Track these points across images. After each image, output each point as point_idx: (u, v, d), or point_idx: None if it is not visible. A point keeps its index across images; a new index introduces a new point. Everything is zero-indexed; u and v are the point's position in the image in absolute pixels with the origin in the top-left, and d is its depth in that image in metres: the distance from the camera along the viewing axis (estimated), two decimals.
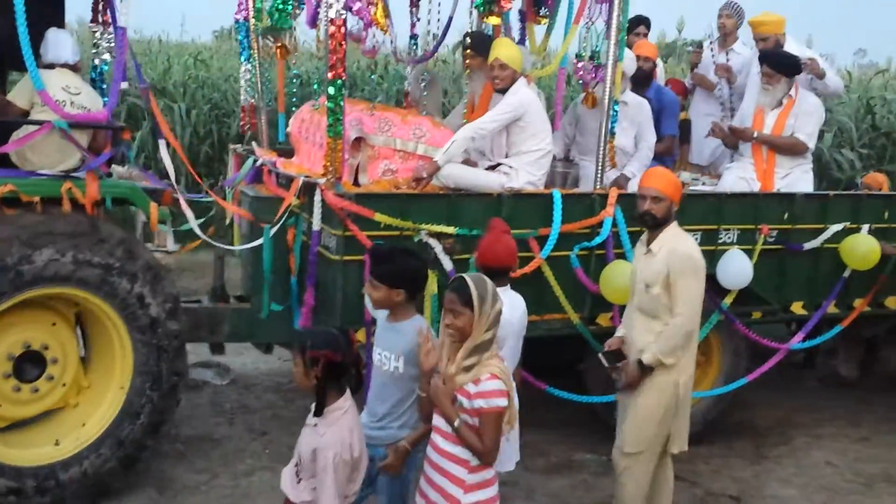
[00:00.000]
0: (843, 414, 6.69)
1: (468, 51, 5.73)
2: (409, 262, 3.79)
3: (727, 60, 7.07)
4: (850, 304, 6.11)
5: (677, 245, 4.26)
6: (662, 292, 4.24)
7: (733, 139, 6.31)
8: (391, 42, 6.91)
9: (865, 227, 5.93)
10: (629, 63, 6.10)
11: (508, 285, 4.08)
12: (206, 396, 6.46)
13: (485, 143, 5.56)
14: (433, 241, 4.90)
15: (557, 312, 5.29)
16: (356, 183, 5.27)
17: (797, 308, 5.96)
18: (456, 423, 3.33)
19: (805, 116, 6.04)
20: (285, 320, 5.26)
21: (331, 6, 4.67)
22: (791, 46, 6.54)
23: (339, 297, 4.82)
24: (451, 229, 4.91)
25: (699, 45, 7.41)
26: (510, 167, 5.38)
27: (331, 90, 4.72)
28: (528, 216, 5.15)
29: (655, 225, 4.31)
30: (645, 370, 4.26)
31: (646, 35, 7.28)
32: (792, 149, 6.07)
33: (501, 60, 5.36)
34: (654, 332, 4.29)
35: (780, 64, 6.04)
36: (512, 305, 3.98)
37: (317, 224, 4.85)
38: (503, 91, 5.42)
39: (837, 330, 6.08)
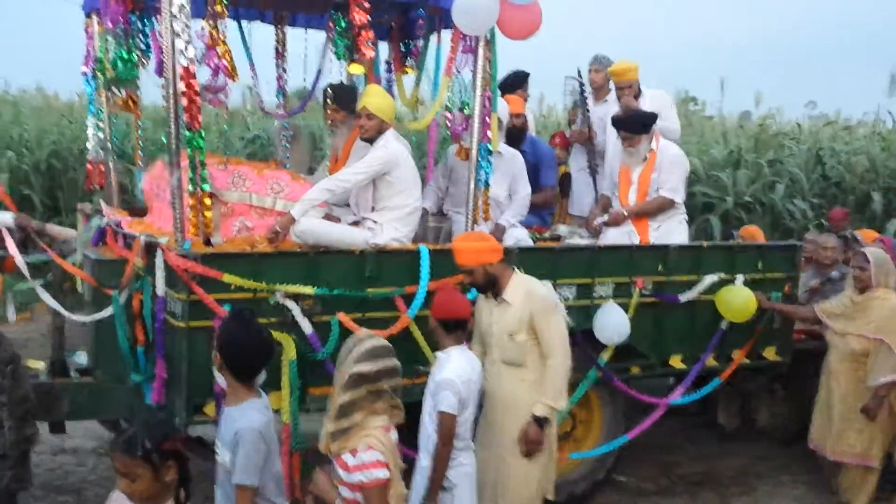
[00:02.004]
0: (802, 461, 6.56)
1: (330, 104, 5.47)
2: (232, 328, 3.38)
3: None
4: (729, 356, 6.02)
5: (532, 288, 4.32)
6: (528, 338, 4.26)
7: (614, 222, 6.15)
8: (256, 94, 6.67)
9: (740, 277, 5.86)
10: (502, 112, 5.96)
11: (465, 345, 4.14)
12: None
13: (350, 196, 5.28)
14: (290, 303, 4.55)
15: (421, 375, 4.98)
16: (208, 242, 4.88)
17: (676, 362, 5.81)
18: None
19: (667, 170, 5.97)
20: (135, 394, 4.81)
21: (181, 52, 4.34)
22: (646, 94, 6.56)
23: (184, 367, 4.40)
24: (309, 289, 4.58)
25: (575, 103, 7.34)
26: (374, 222, 5.10)
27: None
28: (394, 273, 4.87)
29: (486, 289, 4.40)
30: (542, 423, 4.22)
31: (525, 90, 7.17)
32: (661, 209, 6.00)
33: (369, 110, 5.12)
34: (526, 380, 4.27)
35: (636, 126, 5.98)
36: (472, 365, 4.08)
37: (161, 288, 4.45)
38: (370, 140, 5.17)
39: (716, 383, 5.96)
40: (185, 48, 4.36)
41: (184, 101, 4.34)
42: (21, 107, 13.81)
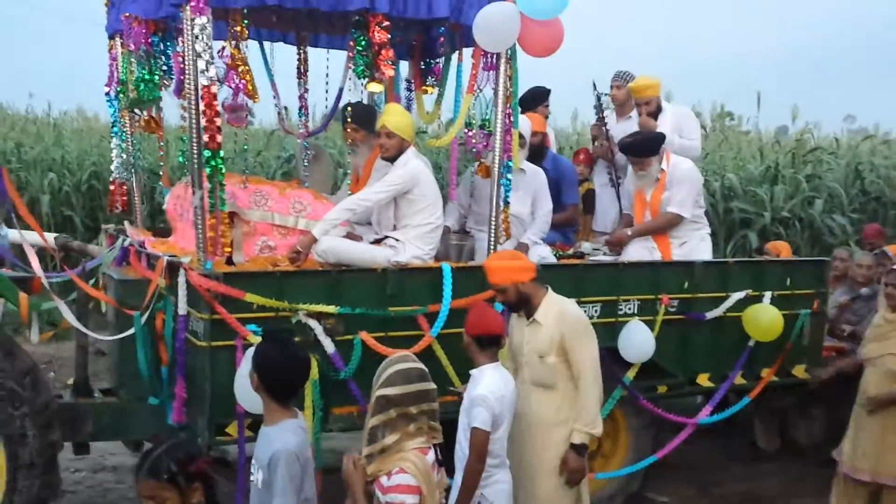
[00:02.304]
0: None
1: (349, 123, 5.47)
2: (269, 349, 3.36)
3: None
4: (758, 374, 5.92)
5: (565, 309, 4.25)
6: (558, 360, 4.18)
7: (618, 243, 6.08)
8: (279, 113, 6.69)
9: (768, 294, 5.78)
10: (525, 129, 5.95)
11: (500, 362, 4.07)
12: None
13: (371, 215, 5.27)
14: (313, 322, 4.54)
15: (451, 395, 4.93)
16: (230, 262, 4.88)
17: (703, 380, 5.74)
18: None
19: (676, 186, 5.87)
20: (158, 415, 4.80)
21: (202, 73, 4.36)
22: (667, 109, 6.52)
23: (207, 387, 4.38)
24: (331, 308, 4.56)
25: (599, 118, 7.29)
26: (396, 240, 5.07)
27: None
28: (417, 292, 4.85)
29: (518, 308, 4.33)
30: (582, 451, 4.17)
31: (548, 106, 7.15)
32: (668, 225, 5.90)
33: (388, 128, 5.11)
34: (555, 402, 4.20)
35: (642, 150, 5.90)
36: (505, 381, 4.02)
37: (182, 307, 4.45)
38: (390, 159, 5.16)
39: (746, 402, 5.86)
40: (206, 68, 4.38)
41: (203, 121, 4.34)
42: (62, 129, 14.05)
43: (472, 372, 4.08)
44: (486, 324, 4.05)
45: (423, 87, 6.24)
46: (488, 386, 3.93)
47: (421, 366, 3.42)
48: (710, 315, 5.61)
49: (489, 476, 3.94)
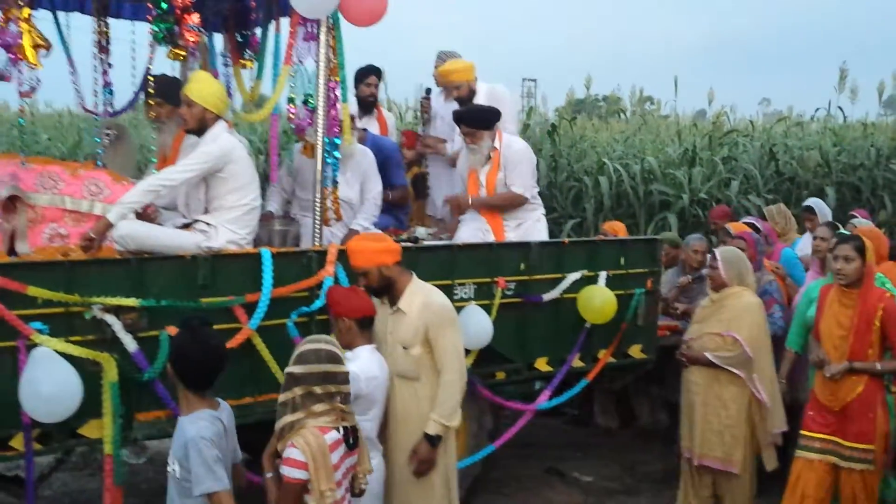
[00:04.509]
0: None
1: (152, 96, 4.95)
2: (181, 337, 3.37)
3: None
4: (595, 356, 5.82)
5: (429, 298, 4.10)
6: (423, 351, 4.06)
7: (458, 209, 5.90)
8: (76, 90, 6.03)
9: (603, 274, 5.68)
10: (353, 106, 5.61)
11: (374, 345, 4.01)
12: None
13: (179, 197, 4.77)
14: (110, 317, 4.00)
15: (276, 391, 4.51)
16: (13, 252, 4.27)
17: (542, 364, 5.57)
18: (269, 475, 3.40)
19: (514, 167, 5.70)
20: None
21: None
22: (481, 89, 6.33)
23: None
24: (132, 301, 4.04)
25: (426, 99, 7.03)
26: (208, 224, 4.61)
27: None
28: (232, 281, 4.39)
29: (381, 293, 4.17)
30: (435, 442, 4.01)
31: (376, 86, 6.83)
32: (510, 204, 5.75)
33: (189, 97, 4.65)
34: (420, 395, 4.06)
35: (477, 120, 5.68)
36: (380, 365, 3.98)
37: None
38: (194, 132, 4.69)
39: (583, 384, 5.75)
40: None
41: None
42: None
43: (348, 354, 3.83)
44: (364, 304, 3.98)
45: (241, 62, 5.77)
46: (361, 365, 3.84)
47: (334, 349, 3.41)
48: (546, 297, 5.44)
49: None
